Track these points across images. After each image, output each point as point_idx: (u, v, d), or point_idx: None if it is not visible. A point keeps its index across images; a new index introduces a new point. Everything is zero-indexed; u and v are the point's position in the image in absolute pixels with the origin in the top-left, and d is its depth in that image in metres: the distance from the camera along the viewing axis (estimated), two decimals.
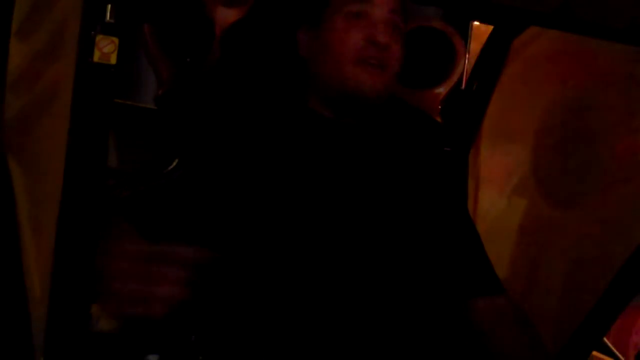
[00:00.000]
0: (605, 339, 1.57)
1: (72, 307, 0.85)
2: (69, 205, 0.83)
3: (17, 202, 1.03)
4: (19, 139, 1.06)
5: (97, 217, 0.85)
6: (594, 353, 1.45)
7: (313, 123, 1.32)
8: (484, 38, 1.68)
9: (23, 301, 0.97)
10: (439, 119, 1.68)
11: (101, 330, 1.04)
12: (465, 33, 1.77)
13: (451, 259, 1.31)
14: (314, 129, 1.32)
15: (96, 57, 0.77)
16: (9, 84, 1.08)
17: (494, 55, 1.64)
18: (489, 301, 1.32)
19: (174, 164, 1.17)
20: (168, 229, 0.91)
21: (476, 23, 1.81)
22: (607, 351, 1.63)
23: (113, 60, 0.78)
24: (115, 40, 0.78)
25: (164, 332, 1.00)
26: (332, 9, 1.30)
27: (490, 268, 1.35)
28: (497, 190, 1.62)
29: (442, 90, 1.68)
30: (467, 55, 1.71)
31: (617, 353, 1.71)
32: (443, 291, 1.28)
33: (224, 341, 1.17)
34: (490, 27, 1.67)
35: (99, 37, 0.77)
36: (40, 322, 0.88)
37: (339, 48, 1.27)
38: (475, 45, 1.77)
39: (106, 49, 0.77)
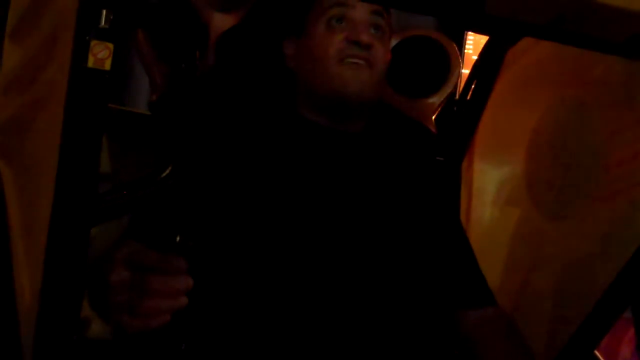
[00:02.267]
0: (595, 352, 1.56)
1: (62, 312, 0.85)
2: (61, 211, 0.83)
3: (8, 206, 1.03)
4: (10, 142, 1.06)
5: (88, 222, 0.85)
6: None
7: (304, 130, 1.32)
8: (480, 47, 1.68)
9: (12, 306, 0.96)
10: (432, 129, 1.68)
11: (91, 336, 1.03)
12: (459, 43, 1.77)
13: (442, 270, 1.31)
14: (305, 136, 1.32)
15: (90, 62, 0.77)
16: (2, 87, 1.07)
17: (489, 65, 1.64)
18: (479, 313, 1.31)
19: (168, 170, 1.17)
20: (162, 235, 0.90)
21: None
22: None
23: (107, 66, 0.77)
24: (110, 46, 0.77)
25: (154, 339, 0.99)
26: (314, 17, 1.32)
27: (482, 279, 1.35)
28: (490, 201, 1.61)
29: (436, 99, 1.68)
30: (461, 65, 1.71)
31: None
32: (434, 302, 1.28)
33: (214, 347, 1.16)
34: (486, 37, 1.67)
35: (93, 43, 0.77)
36: (29, 328, 0.88)
37: (323, 51, 1.29)
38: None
39: (101, 54, 0.77)
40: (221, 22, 1.46)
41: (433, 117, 1.68)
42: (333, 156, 1.30)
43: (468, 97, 1.70)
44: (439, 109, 1.69)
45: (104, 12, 0.78)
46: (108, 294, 0.91)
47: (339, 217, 1.24)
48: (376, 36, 1.31)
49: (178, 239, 0.89)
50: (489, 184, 1.64)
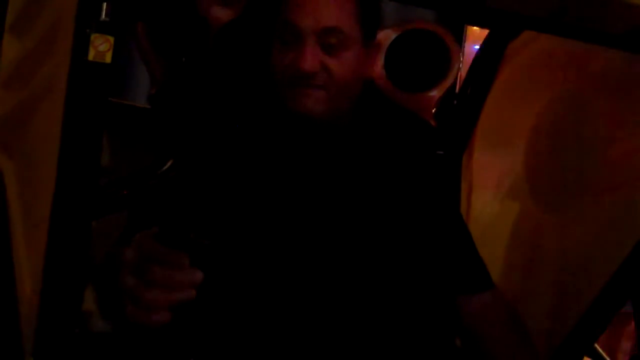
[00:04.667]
0: (595, 345, 1.57)
1: (63, 306, 0.85)
2: (62, 204, 0.83)
3: (9, 200, 1.03)
4: (11, 136, 1.06)
5: (89, 215, 0.85)
6: (585, 359, 1.45)
7: (297, 124, 1.32)
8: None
9: (13, 300, 0.96)
10: (432, 122, 1.67)
11: (92, 330, 1.03)
12: (460, 36, 1.77)
13: (442, 258, 1.31)
14: (299, 129, 1.32)
15: (91, 55, 0.77)
16: (2, 80, 1.07)
17: (489, 58, 1.64)
18: (479, 297, 1.32)
19: (168, 164, 1.17)
20: (176, 231, 0.90)
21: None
22: (597, 357, 1.64)
23: (108, 59, 0.77)
24: (111, 39, 0.77)
25: (157, 334, 0.99)
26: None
27: (482, 266, 1.35)
28: (490, 194, 1.62)
29: (436, 93, 1.68)
30: (461, 59, 1.71)
31: (608, 359, 1.71)
32: (434, 290, 1.28)
33: (216, 344, 1.16)
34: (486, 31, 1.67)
35: (94, 36, 0.77)
36: (30, 321, 0.88)
37: (276, 71, 1.26)
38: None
39: (101, 47, 0.77)
40: (219, 15, 1.46)
41: (433, 111, 1.68)
42: (329, 149, 1.30)
43: (468, 91, 1.70)
44: (439, 102, 1.69)
45: (105, 5, 0.78)
46: (119, 276, 0.91)
47: (337, 210, 1.24)
48: (328, 55, 1.24)
49: (192, 236, 0.88)
50: (489, 178, 1.64)
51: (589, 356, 1.52)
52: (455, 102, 1.72)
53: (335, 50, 1.25)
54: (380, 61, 1.53)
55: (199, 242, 0.88)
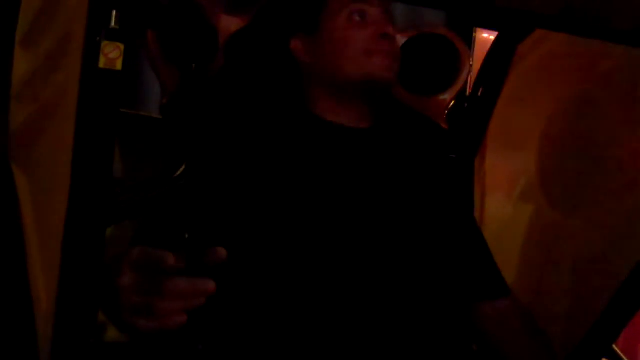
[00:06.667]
0: (614, 346, 1.55)
1: (79, 318, 0.85)
2: (75, 215, 0.83)
3: (23, 212, 1.03)
4: (24, 148, 1.06)
5: (103, 224, 0.85)
6: None
7: (314, 127, 1.33)
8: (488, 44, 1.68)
9: (29, 313, 0.96)
10: (444, 126, 1.67)
11: (108, 340, 1.03)
12: (469, 40, 1.76)
13: (457, 265, 1.30)
14: (316, 132, 1.32)
15: (102, 63, 0.77)
16: (14, 93, 1.07)
17: (499, 61, 1.63)
18: (495, 304, 1.32)
19: (180, 171, 1.16)
20: (171, 233, 0.90)
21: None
22: (616, 359, 1.62)
23: (119, 66, 0.78)
24: (121, 46, 0.78)
25: (172, 340, 0.99)
26: (331, 11, 1.34)
27: (497, 272, 1.35)
28: (504, 197, 1.61)
29: (447, 96, 1.67)
30: (471, 62, 1.71)
31: None
32: (450, 295, 1.28)
33: (229, 343, 1.16)
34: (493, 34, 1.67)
35: (104, 43, 0.77)
36: (46, 332, 0.88)
37: (349, 43, 1.32)
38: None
39: (112, 55, 0.77)
40: (229, 24, 1.46)
41: (445, 114, 1.67)
42: (346, 153, 1.30)
43: (479, 94, 1.69)
44: (450, 105, 1.68)
45: (114, 12, 0.79)
46: (119, 297, 0.91)
47: (352, 214, 1.23)
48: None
49: (187, 236, 0.88)
50: (502, 180, 1.64)
51: (607, 357, 1.50)
52: (466, 105, 1.72)
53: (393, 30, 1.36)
54: None
55: (193, 242, 0.89)
